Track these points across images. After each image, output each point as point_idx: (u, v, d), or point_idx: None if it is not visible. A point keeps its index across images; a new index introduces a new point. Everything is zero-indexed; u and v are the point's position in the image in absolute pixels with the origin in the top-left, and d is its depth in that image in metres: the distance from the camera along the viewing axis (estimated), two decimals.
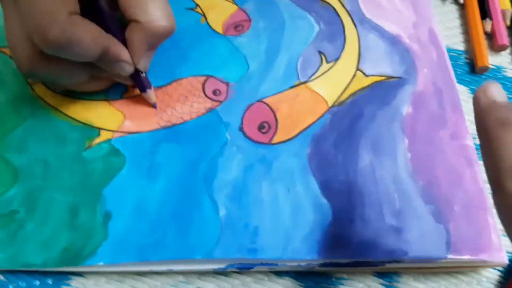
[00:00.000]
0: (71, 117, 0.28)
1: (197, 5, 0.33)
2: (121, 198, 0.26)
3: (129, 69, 0.27)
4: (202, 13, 0.33)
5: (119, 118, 0.28)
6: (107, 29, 0.25)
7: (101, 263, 0.24)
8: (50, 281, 0.24)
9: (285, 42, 0.31)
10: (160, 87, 0.29)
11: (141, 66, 0.27)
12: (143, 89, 0.28)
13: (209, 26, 0.32)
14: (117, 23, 0.26)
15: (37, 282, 0.24)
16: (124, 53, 0.26)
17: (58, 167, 0.26)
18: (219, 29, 0.32)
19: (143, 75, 0.28)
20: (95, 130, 0.28)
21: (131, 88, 0.29)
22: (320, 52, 0.31)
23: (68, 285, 0.24)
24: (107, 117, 0.28)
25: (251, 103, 0.29)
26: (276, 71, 0.30)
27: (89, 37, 0.24)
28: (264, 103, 0.29)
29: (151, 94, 0.28)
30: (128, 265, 0.24)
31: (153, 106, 0.29)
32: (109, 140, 0.27)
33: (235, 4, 0.33)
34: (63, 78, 0.27)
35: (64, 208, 0.25)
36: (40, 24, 0.23)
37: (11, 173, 0.26)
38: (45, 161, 0.27)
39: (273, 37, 0.31)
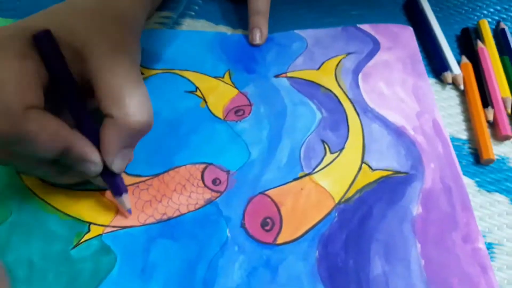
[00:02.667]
0: (60, 211, 0.26)
1: (197, 88, 0.32)
2: None
3: (95, 170, 0.24)
4: (202, 96, 0.32)
5: (111, 211, 0.26)
6: (79, 123, 0.23)
7: None
8: None
9: (287, 128, 0.30)
10: (156, 175, 0.28)
11: (115, 167, 0.24)
12: (116, 192, 0.25)
13: (209, 110, 0.31)
14: (91, 116, 0.24)
15: None
16: (88, 153, 0.23)
17: (43, 269, 0.24)
18: (220, 114, 0.31)
19: (118, 176, 0.25)
20: (85, 225, 0.26)
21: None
22: (323, 141, 0.30)
23: None
24: (99, 210, 0.26)
25: (253, 195, 0.27)
26: (278, 160, 0.29)
27: (46, 134, 0.22)
28: (267, 196, 0.27)
29: (125, 199, 0.25)
30: None
31: (127, 212, 0.26)
32: (99, 236, 0.25)
33: (236, 88, 0.33)
34: (28, 170, 0.25)
35: None
36: None
37: None
38: (29, 261, 0.24)
39: (274, 123, 0.31)
